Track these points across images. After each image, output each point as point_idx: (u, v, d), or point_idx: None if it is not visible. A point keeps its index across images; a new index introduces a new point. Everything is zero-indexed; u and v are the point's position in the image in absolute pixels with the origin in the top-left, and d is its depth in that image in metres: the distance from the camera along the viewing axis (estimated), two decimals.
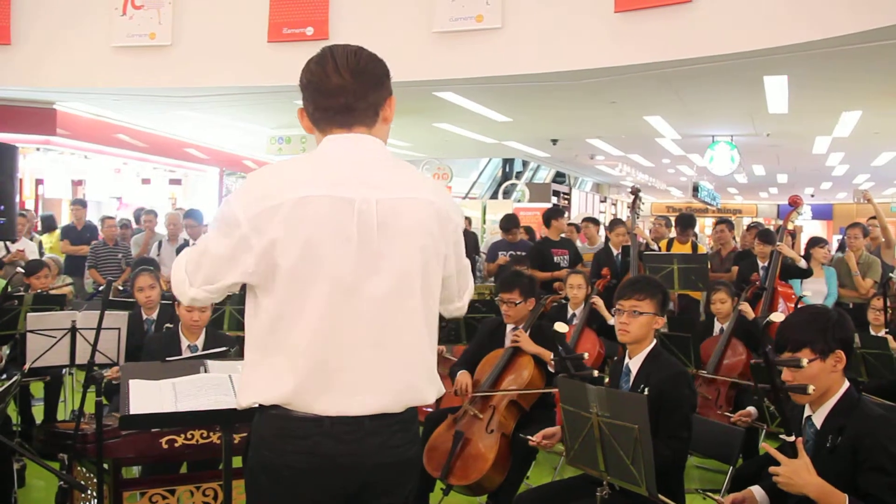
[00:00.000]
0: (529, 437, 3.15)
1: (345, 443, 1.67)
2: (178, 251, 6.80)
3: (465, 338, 5.12)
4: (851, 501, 2.05)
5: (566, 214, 9.52)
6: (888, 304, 4.97)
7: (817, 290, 6.17)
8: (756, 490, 2.42)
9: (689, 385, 2.96)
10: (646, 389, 2.85)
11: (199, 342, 3.90)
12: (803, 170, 17.36)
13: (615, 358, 3.34)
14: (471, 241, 8.62)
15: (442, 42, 6.86)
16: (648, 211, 25.07)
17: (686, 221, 7.49)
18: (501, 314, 4.12)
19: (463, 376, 3.92)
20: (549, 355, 3.79)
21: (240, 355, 1.80)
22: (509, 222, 7.79)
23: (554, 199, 17.16)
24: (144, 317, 4.59)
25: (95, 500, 3.09)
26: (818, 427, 2.27)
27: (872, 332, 4.84)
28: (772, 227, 7.44)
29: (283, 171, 1.73)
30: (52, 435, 3.38)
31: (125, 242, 8.30)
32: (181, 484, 3.17)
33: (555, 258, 7.10)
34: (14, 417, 4.63)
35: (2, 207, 5.91)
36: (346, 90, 1.70)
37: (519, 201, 16.10)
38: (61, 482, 2.87)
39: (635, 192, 6.76)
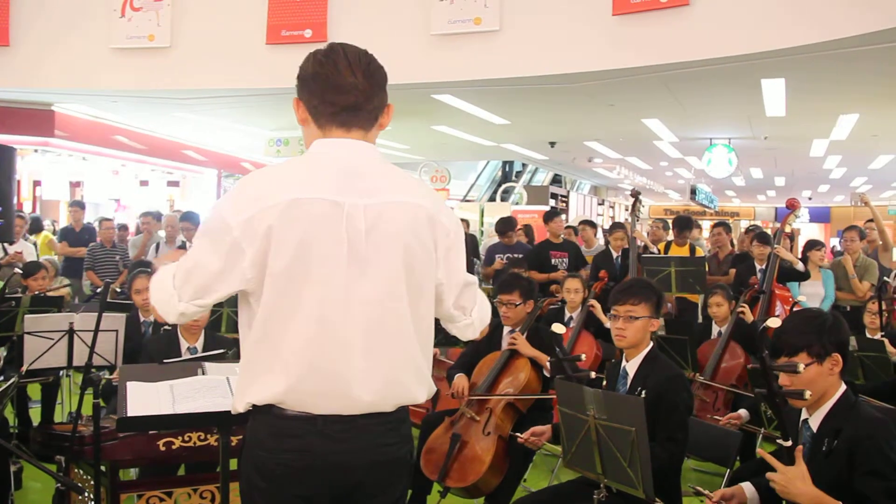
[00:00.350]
0: (518, 434, 3.16)
1: (338, 441, 1.69)
2: None
3: (462, 340, 5.11)
4: None
5: (563, 217, 9.50)
6: (883, 307, 4.98)
7: (814, 293, 6.17)
8: (746, 486, 2.43)
9: (686, 388, 2.97)
10: (643, 392, 2.85)
11: (199, 344, 3.91)
12: (801, 173, 17.39)
13: (612, 360, 3.34)
14: (470, 243, 8.61)
15: (440, 44, 6.86)
16: (646, 214, 25.08)
17: (683, 223, 7.45)
18: (499, 316, 4.13)
19: (460, 379, 3.93)
20: (545, 359, 3.79)
21: (237, 357, 1.80)
22: (505, 225, 7.77)
23: (552, 202, 17.18)
24: (142, 319, 4.58)
25: (92, 503, 3.08)
26: (814, 430, 2.28)
27: (868, 335, 4.85)
28: (769, 231, 7.43)
29: (275, 174, 1.74)
30: (50, 437, 3.37)
31: (123, 244, 8.31)
32: (178, 486, 3.17)
33: (553, 260, 7.10)
34: (11, 419, 4.62)
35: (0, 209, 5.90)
36: (357, 89, 1.72)
37: (517, 204, 16.11)
38: (58, 484, 2.88)
39: (635, 194, 6.77)
